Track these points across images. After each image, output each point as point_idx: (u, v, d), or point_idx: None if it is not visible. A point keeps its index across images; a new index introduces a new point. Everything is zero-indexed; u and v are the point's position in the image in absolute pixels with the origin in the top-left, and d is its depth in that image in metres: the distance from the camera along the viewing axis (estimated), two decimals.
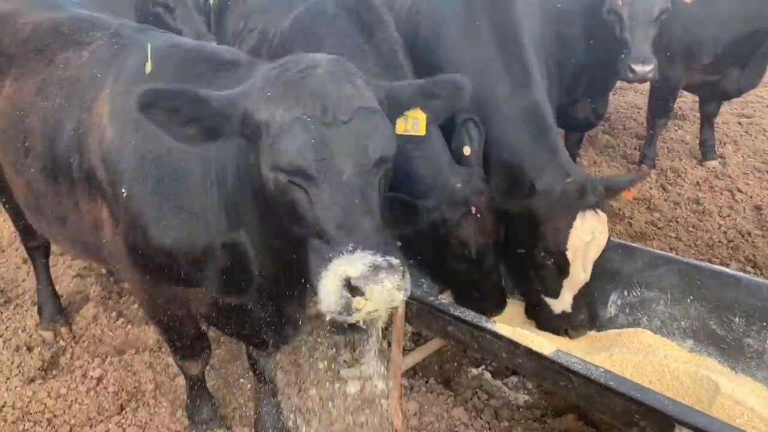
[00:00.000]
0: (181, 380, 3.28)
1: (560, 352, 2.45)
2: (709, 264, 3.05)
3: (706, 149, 5.66)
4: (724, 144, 5.96)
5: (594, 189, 2.95)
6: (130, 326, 3.73)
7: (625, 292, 3.13)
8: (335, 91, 1.80)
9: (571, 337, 3.08)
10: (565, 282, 2.98)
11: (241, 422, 3.08)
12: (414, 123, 2.17)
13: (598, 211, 2.94)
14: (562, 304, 3.03)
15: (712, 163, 5.57)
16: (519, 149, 3.18)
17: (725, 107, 6.71)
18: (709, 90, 5.27)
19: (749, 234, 4.51)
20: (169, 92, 1.85)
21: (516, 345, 2.53)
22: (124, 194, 2.23)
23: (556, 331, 3.09)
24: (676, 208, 4.93)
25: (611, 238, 3.04)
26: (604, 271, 3.06)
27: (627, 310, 3.12)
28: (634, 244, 3.33)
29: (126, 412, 3.09)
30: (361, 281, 1.60)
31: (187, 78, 2.23)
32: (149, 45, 2.39)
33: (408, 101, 2.09)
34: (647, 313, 3.07)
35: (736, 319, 2.81)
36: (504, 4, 3.68)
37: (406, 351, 3.14)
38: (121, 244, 2.34)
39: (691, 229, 4.65)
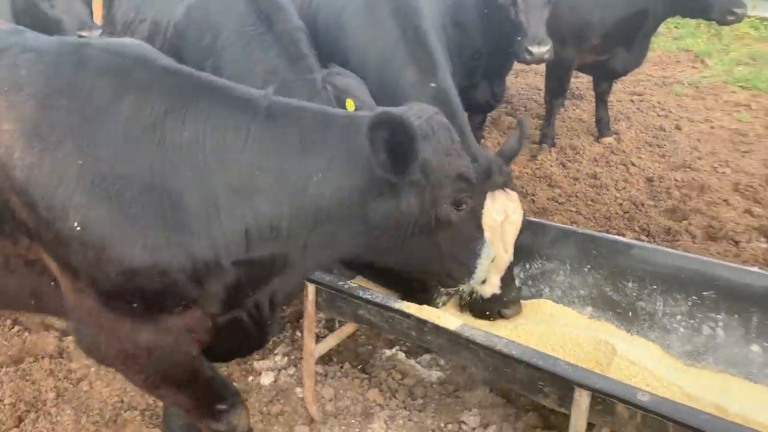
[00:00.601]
0: (84, 385, 3.14)
1: (465, 326, 2.51)
2: (602, 233, 3.21)
3: (601, 126, 5.94)
4: (618, 121, 6.27)
5: (500, 170, 3.02)
6: (27, 333, 3.52)
7: (527, 266, 3.24)
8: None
9: (505, 317, 3.03)
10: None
11: None
12: None
13: (508, 190, 3.02)
14: (490, 287, 3.01)
15: (608, 140, 5.85)
16: None
17: (618, 86, 7.08)
18: (600, 70, 5.53)
19: (642, 205, 4.78)
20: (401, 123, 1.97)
21: (423, 322, 2.57)
22: (77, 227, 1.91)
23: (490, 316, 3.05)
24: (575, 184, 5.15)
25: None
26: None
27: (530, 282, 3.23)
28: (535, 219, 3.46)
29: (25, 424, 2.92)
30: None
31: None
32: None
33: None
34: (549, 284, 3.20)
35: (630, 284, 2.98)
36: None
37: (319, 338, 3.13)
38: (90, 292, 1.99)
39: (589, 202, 4.87)
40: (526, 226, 3.26)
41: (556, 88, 5.59)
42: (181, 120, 2.00)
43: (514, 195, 3.01)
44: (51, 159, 1.90)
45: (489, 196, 2.95)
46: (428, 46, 3.57)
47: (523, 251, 3.25)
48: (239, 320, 2.22)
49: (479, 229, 2.48)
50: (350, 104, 3.00)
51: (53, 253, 1.99)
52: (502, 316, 3.04)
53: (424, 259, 2.37)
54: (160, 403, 3.05)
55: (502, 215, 2.97)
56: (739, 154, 5.49)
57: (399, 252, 2.28)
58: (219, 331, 2.17)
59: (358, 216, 2.14)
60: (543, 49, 4.16)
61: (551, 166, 5.45)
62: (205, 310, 2.09)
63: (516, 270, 3.29)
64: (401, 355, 3.37)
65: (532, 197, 4.94)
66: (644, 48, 5.38)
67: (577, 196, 4.97)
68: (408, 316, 2.62)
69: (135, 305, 1.98)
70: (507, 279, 3.01)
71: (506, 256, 2.99)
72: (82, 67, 2.03)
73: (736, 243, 4.23)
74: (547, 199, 4.93)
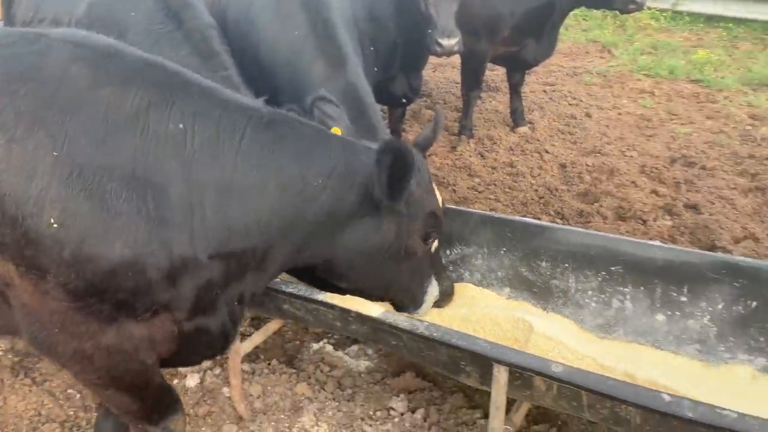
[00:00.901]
0: None
1: (388, 313, 2.56)
2: (516, 217, 3.33)
3: (516, 117, 6.13)
4: (532, 111, 6.49)
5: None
6: None
7: (449, 252, 3.32)
8: None
9: (440, 307, 3.00)
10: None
11: None
12: None
13: None
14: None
15: (523, 129, 6.04)
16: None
17: (532, 77, 7.33)
18: (513, 61, 5.71)
19: (557, 189, 4.97)
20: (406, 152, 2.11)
21: (347, 312, 2.60)
22: (54, 224, 1.80)
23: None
24: (493, 173, 5.30)
25: None
26: None
27: (451, 267, 3.31)
28: (455, 207, 3.55)
29: None
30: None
31: None
32: None
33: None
34: (468, 268, 3.29)
35: (543, 264, 3.11)
36: None
37: (245, 336, 3.11)
38: (58, 293, 1.87)
39: (507, 190, 5.02)
40: (447, 215, 3.35)
41: (472, 80, 5.73)
42: (167, 112, 1.96)
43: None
44: (20, 150, 1.79)
45: None
46: (338, 40, 3.59)
47: (444, 238, 3.34)
48: (204, 328, 2.16)
49: (431, 266, 2.68)
50: (337, 131, 3.03)
51: (15, 253, 1.85)
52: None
53: (382, 284, 2.54)
54: (81, 414, 2.96)
55: None
56: (645, 138, 5.79)
57: (360, 271, 2.42)
58: (183, 339, 2.12)
59: (338, 228, 2.25)
60: (452, 41, 4.26)
61: (470, 156, 5.58)
62: (172, 316, 2.03)
63: None
64: (329, 348, 3.39)
65: (453, 187, 5.05)
66: (553, 39, 5.60)
67: (495, 185, 5.11)
68: (332, 306, 2.65)
69: (105, 307, 1.90)
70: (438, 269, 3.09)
71: None
72: (48, 54, 1.94)
73: (644, 222, 4.47)
74: (468, 188, 5.06)
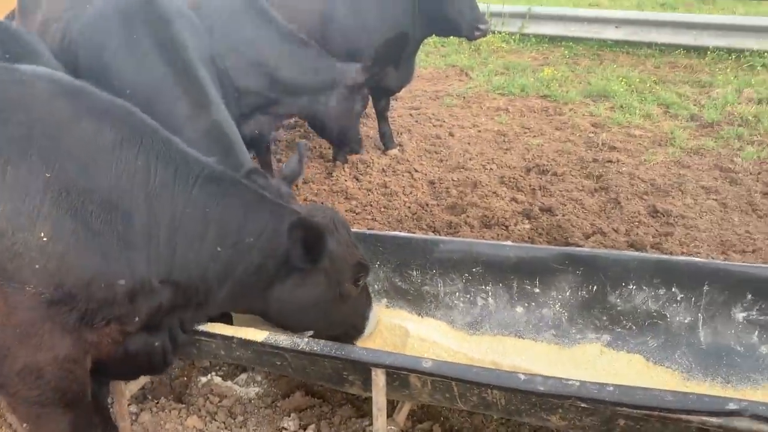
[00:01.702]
0: None
1: (270, 334, 2.67)
2: (385, 232, 3.55)
3: (386, 140, 6.44)
4: (401, 133, 6.83)
5: (279, 192, 3.20)
6: None
7: None
8: None
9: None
10: None
11: None
12: None
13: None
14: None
15: (393, 151, 6.36)
16: None
17: (398, 102, 7.71)
18: (376, 88, 6.01)
19: (427, 205, 5.29)
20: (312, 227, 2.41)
21: (230, 339, 2.68)
22: (44, 238, 2.02)
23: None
24: (369, 194, 5.54)
25: None
26: None
27: None
28: None
29: None
30: None
31: None
32: None
33: None
34: None
35: (414, 273, 3.34)
36: (163, 24, 3.75)
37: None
38: (31, 303, 2.05)
39: (383, 209, 5.28)
40: None
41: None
42: (136, 149, 2.23)
43: None
44: (14, 171, 2.02)
45: None
46: (198, 80, 3.65)
47: None
48: (149, 343, 2.43)
49: (368, 296, 2.94)
50: None
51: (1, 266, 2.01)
52: None
53: (329, 324, 2.79)
54: None
55: None
56: (502, 151, 6.27)
57: (303, 318, 2.72)
58: (128, 349, 2.36)
59: (268, 284, 2.54)
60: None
61: (346, 180, 5.79)
62: (122, 328, 2.23)
63: None
64: (217, 380, 3.42)
65: None
66: (411, 65, 5.98)
67: (371, 205, 5.35)
68: (213, 335, 2.71)
69: (72, 317, 2.11)
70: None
71: None
72: (32, 87, 2.16)
73: (506, 227, 4.86)
74: (345, 211, 5.25)
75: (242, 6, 4.81)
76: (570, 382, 2.21)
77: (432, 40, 9.92)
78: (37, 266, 2.03)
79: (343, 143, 5.53)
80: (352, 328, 2.89)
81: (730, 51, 8.52)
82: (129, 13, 3.81)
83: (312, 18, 5.22)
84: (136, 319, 2.27)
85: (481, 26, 5.57)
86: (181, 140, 2.56)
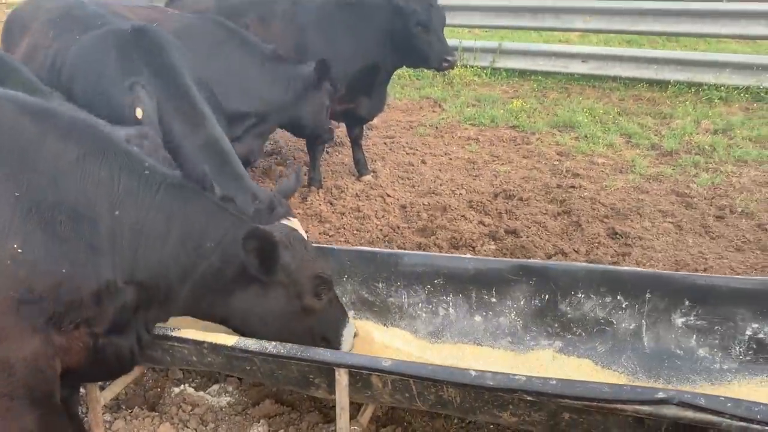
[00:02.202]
0: None
1: (240, 339, 2.82)
2: (353, 247, 3.74)
3: (360, 167, 6.66)
4: (375, 161, 7.07)
5: (280, 203, 3.43)
6: None
7: None
8: None
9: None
10: None
11: None
12: None
13: (290, 218, 3.43)
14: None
15: (367, 177, 6.58)
16: None
17: (373, 132, 7.97)
18: (350, 117, 6.27)
19: (399, 227, 5.49)
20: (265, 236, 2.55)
21: (201, 343, 2.82)
22: (17, 249, 2.20)
23: None
24: (342, 218, 5.74)
25: None
26: None
27: None
28: None
29: None
30: None
31: None
32: None
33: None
34: None
35: (380, 285, 3.52)
36: (157, 51, 4.01)
37: (103, 386, 3.21)
38: (5, 305, 2.22)
39: (355, 232, 5.47)
40: None
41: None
42: (99, 162, 2.41)
43: (296, 222, 3.45)
44: None
45: (277, 224, 3.37)
46: (193, 99, 3.93)
47: None
48: (116, 344, 2.54)
49: (342, 312, 3.04)
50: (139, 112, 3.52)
51: None
52: None
53: (297, 337, 2.84)
54: None
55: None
56: (471, 178, 6.52)
57: (268, 328, 2.80)
58: (97, 352, 2.47)
59: (228, 291, 2.69)
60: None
61: (320, 204, 5.99)
62: (90, 330, 2.39)
63: None
64: (190, 390, 3.54)
65: (306, 233, 5.40)
66: (383, 95, 6.25)
67: (344, 228, 5.54)
68: (185, 341, 2.85)
69: (40, 319, 2.27)
70: None
71: None
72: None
73: (473, 248, 5.07)
74: (319, 233, 5.44)
75: (224, 34, 5.09)
76: (516, 377, 2.39)
77: (407, 73, 10.30)
78: (8, 273, 2.20)
79: (317, 135, 5.84)
80: (323, 342, 2.96)
81: (690, 85, 8.94)
82: (124, 42, 4.05)
83: (286, 48, 5.48)
84: (103, 320, 2.41)
85: (449, 58, 5.87)
86: (184, 153, 2.81)
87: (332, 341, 2.96)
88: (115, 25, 4.39)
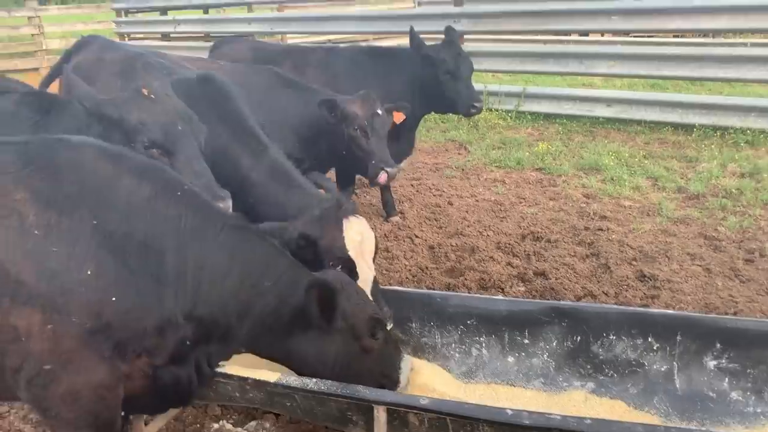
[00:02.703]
0: None
1: (284, 376, 2.93)
2: (386, 286, 3.85)
3: (388, 208, 6.81)
4: (402, 202, 7.22)
5: (347, 200, 3.70)
6: None
7: None
8: None
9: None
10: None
11: None
12: None
13: (357, 216, 3.65)
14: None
15: (395, 218, 6.72)
16: (279, 200, 3.97)
17: (401, 174, 8.13)
18: None
19: (427, 268, 5.59)
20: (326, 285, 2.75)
21: (245, 380, 2.94)
22: (89, 274, 2.36)
23: None
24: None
25: None
26: None
27: None
28: None
29: None
30: None
31: None
32: None
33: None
34: None
35: (413, 325, 3.62)
36: (222, 99, 4.34)
37: (147, 421, 3.32)
38: (75, 332, 2.35)
39: (384, 272, 5.58)
40: None
41: (345, 180, 6.38)
42: (168, 200, 2.62)
43: (362, 219, 3.67)
44: (68, 220, 2.40)
45: (345, 222, 3.59)
46: (255, 133, 4.32)
47: None
48: (175, 376, 2.65)
49: (397, 348, 3.15)
50: None
51: (47, 302, 2.33)
52: None
53: (357, 375, 2.95)
54: None
55: (359, 236, 3.61)
56: (499, 219, 6.63)
57: (328, 369, 2.92)
58: (156, 382, 2.60)
59: (285, 331, 2.82)
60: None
61: None
62: (151, 361, 2.53)
63: None
64: (229, 426, 3.63)
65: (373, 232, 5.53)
66: (411, 139, 6.44)
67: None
68: (230, 377, 2.97)
69: (106, 346, 2.41)
70: (375, 298, 3.55)
71: (369, 272, 3.61)
72: (82, 151, 2.59)
73: (502, 289, 5.14)
74: None
75: (275, 79, 5.45)
76: (552, 416, 2.45)
77: (432, 116, 10.50)
78: (82, 300, 2.38)
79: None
80: (384, 378, 3.06)
81: (715, 128, 9.00)
82: (191, 90, 4.40)
83: None
84: (164, 351, 2.56)
85: (477, 104, 6.07)
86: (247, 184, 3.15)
87: (392, 376, 3.06)
88: (181, 74, 4.70)
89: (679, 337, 3.10)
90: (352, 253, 3.53)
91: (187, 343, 2.63)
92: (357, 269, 3.43)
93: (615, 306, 3.57)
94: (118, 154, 2.74)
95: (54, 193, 2.44)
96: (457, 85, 5.98)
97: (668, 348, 3.13)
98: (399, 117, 5.59)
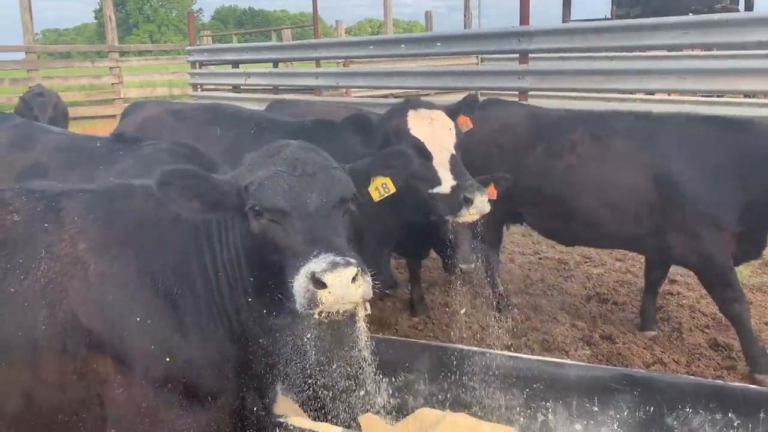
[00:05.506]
0: None
1: (344, 430, 2.89)
2: (450, 344, 3.78)
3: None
4: None
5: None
6: None
7: (393, 379, 3.70)
8: (303, 155, 2.37)
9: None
10: (437, 165, 3.75)
11: None
12: (383, 187, 2.80)
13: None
14: (446, 185, 3.71)
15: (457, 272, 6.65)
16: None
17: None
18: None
19: (488, 326, 5.48)
20: (184, 172, 2.32)
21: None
22: (138, 320, 2.31)
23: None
24: (431, 311, 5.80)
25: (379, 336, 3.66)
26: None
27: (396, 394, 3.67)
28: (398, 338, 3.99)
29: None
30: (322, 273, 1.99)
31: None
32: None
33: (368, 172, 2.69)
34: (412, 393, 3.66)
35: (476, 385, 3.52)
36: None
37: None
38: (143, 384, 2.31)
39: (444, 328, 5.51)
40: (388, 345, 3.78)
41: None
42: (206, 238, 2.49)
43: (436, 110, 3.95)
44: (118, 264, 2.37)
45: (410, 113, 3.86)
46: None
47: (388, 367, 3.73)
48: (245, 411, 2.60)
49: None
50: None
51: (111, 350, 2.30)
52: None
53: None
54: None
55: (427, 119, 3.80)
56: (563, 279, 6.48)
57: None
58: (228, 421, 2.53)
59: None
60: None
61: (409, 296, 6.10)
62: (227, 401, 2.47)
63: (384, 385, 3.75)
64: None
65: (395, 327, 5.50)
66: None
67: (433, 323, 5.60)
68: (291, 428, 2.95)
69: (176, 394, 2.34)
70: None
71: (447, 153, 3.77)
72: (129, 197, 2.58)
73: (566, 352, 4.99)
74: (408, 327, 5.52)
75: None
76: None
77: None
78: (139, 346, 2.31)
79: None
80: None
81: None
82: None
83: None
84: (225, 386, 2.46)
85: None
86: None
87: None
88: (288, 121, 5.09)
89: (762, 415, 2.91)
90: (421, 136, 3.75)
91: (242, 366, 2.51)
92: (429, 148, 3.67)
93: (692, 378, 3.40)
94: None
95: (109, 236, 2.42)
96: None
97: (750, 425, 2.94)
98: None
